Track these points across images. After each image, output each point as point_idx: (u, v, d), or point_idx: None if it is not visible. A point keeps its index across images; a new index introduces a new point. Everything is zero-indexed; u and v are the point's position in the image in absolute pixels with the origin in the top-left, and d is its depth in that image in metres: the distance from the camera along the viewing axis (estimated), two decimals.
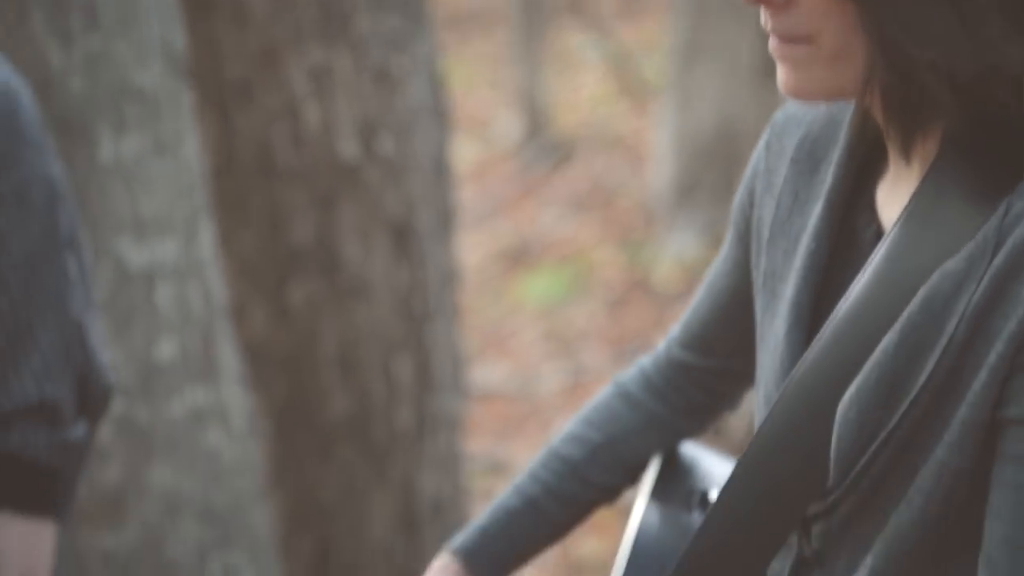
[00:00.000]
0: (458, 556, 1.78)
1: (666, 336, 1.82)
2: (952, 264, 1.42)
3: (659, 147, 7.28)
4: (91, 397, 2.08)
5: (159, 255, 2.84)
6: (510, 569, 1.81)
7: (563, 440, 1.81)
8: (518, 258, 7.37)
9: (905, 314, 1.43)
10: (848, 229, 1.54)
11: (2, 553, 2.02)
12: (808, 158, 1.57)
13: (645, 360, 1.83)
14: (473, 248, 7.16)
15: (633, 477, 1.80)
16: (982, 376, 1.39)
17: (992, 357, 1.39)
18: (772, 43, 1.44)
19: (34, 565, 2.04)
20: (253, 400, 3.23)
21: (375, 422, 3.45)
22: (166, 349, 2.87)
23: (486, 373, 6.23)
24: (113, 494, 2.83)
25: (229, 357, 3.00)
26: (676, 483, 1.76)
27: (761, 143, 1.63)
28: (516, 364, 6.41)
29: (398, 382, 3.46)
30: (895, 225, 1.47)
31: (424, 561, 3.40)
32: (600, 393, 1.84)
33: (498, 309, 6.93)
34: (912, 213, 1.46)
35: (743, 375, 1.72)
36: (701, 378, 1.78)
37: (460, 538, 1.79)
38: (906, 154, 1.47)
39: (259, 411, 3.34)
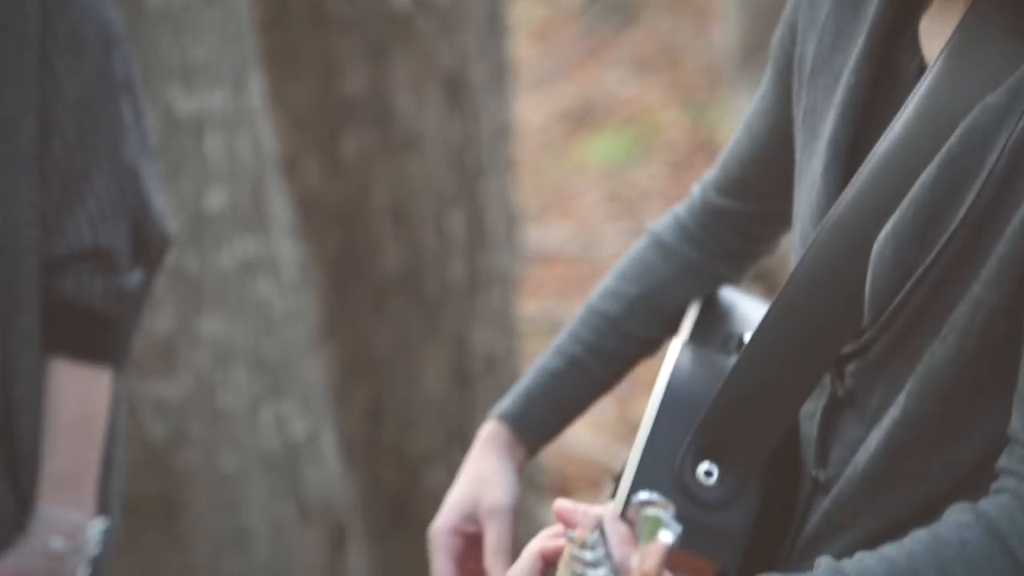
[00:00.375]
0: (505, 422, 1.77)
1: (700, 182, 1.78)
2: (993, 98, 1.39)
3: (725, 8, 7.18)
4: (147, 246, 2.07)
5: (208, 104, 2.83)
6: (558, 429, 1.80)
7: (600, 296, 1.79)
8: (582, 119, 7.31)
9: (944, 148, 1.40)
10: (891, 64, 1.50)
11: (58, 399, 2.03)
12: None
13: (679, 208, 1.79)
14: (536, 109, 7.11)
15: (672, 328, 1.77)
16: (1021, 212, 1.36)
17: None
18: None
19: (90, 412, 2.04)
20: (305, 252, 3.23)
21: (428, 276, 3.44)
22: (215, 199, 2.86)
23: (548, 234, 6.20)
24: (164, 343, 2.85)
25: (279, 208, 2.99)
26: (713, 327, 1.73)
27: None
28: (578, 225, 6.38)
29: (451, 236, 3.44)
30: (937, 59, 1.44)
31: (476, 416, 3.41)
32: (635, 245, 1.81)
33: (561, 170, 6.89)
34: (955, 47, 1.43)
35: (780, 218, 1.69)
36: (737, 222, 1.75)
37: (506, 403, 1.78)
38: None
39: (312, 263, 3.34)
